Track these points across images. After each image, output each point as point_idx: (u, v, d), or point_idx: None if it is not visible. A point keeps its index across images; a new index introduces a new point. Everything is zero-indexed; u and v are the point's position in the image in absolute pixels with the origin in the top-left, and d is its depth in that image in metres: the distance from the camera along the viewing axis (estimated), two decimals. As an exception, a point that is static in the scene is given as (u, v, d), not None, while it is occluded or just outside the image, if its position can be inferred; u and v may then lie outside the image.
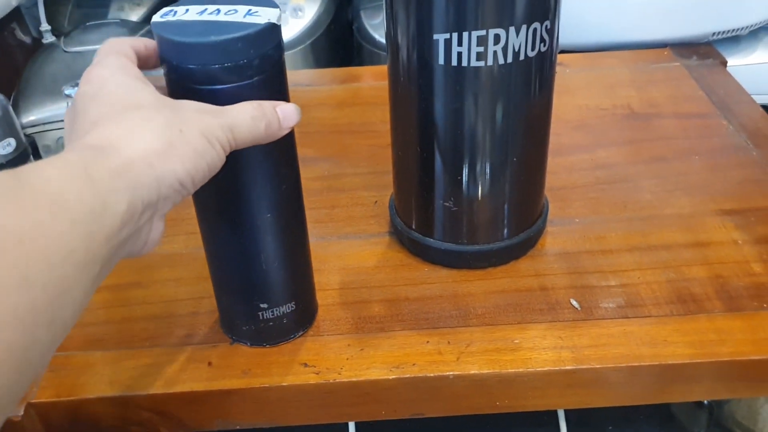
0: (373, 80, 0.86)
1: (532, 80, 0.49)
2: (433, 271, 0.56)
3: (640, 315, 0.51)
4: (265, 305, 0.49)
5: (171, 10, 0.42)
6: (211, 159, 0.36)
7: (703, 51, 0.85)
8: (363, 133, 0.76)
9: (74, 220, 0.29)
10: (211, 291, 0.55)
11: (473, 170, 0.52)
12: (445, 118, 0.50)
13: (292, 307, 0.50)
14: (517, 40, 0.46)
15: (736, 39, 0.90)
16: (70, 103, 0.41)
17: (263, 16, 0.41)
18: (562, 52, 0.90)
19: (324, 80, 0.86)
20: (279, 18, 0.41)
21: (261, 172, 0.44)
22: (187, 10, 0.42)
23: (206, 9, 0.41)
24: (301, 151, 0.72)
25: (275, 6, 0.42)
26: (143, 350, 0.51)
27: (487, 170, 0.52)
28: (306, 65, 1.19)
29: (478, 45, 0.46)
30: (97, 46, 1.18)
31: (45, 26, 1.30)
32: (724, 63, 0.83)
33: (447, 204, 0.53)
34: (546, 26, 0.46)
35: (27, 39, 1.30)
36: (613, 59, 0.84)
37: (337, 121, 0.78)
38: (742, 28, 0.87)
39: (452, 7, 0.45)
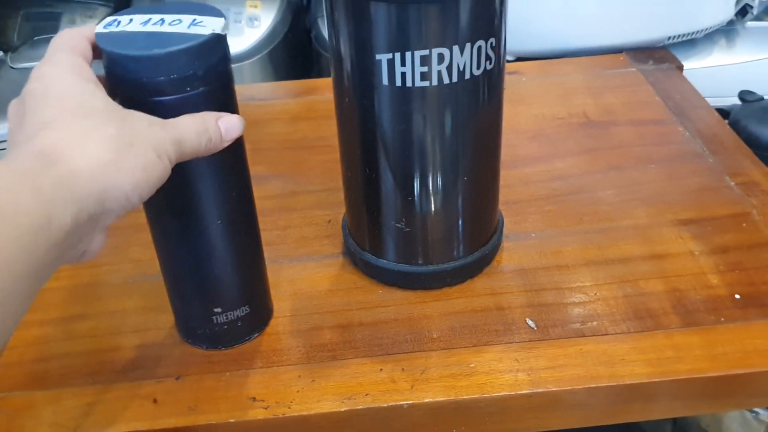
0: (329, 93, 0.84)
1: (480, 98, 0.48)
2: (387, 294, 0.55)
3: (596, 333, 0.50)
4: (219, 309, 0.49)
5: (114, 20, 0.41)
6: (159, 173, 0.36)
7: (659, 55, 0.85)
8: (318, 148, 0.74)
9: (17, 233, 0.29)
10: (157, 322, 0.53)
11: (424, 190, 0.50)
12: (391, 138, 0.48)
13: (246, 310, 0.50)
14: (462, 59, 0.44)
15: (692, 42, 0.90)
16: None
17: (208, 26, 0.40)
18: (518, 59, 0.89)
19: (278, 94, 0.84)
20: (224, 28, 0.41)
21: (211, 180, 0.44)
22: (131, 20, 0.41)
23: (150, 19, 0.41)
24: (254, 169, 0.70)
25: (221, 15, 0.41)
26: (85, 387, 0.49)
27: (438, 190, 0.50)
28: (264, 75, 1.17)
29: (421, 65, 0.44)
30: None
31: (-8, 41, 1.26)
32: (681, 67, 0.83)
33: (398, 225, 0.52)
34: (491, 43, 0.45)
35: (-27, 54, 1.26)
36: (569, 66, 0.84)
37: (291, 137, 0.76)
38: (698, 32, 0.87)
39: (393, 27, 0.43)
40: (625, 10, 0.84)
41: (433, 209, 0.51)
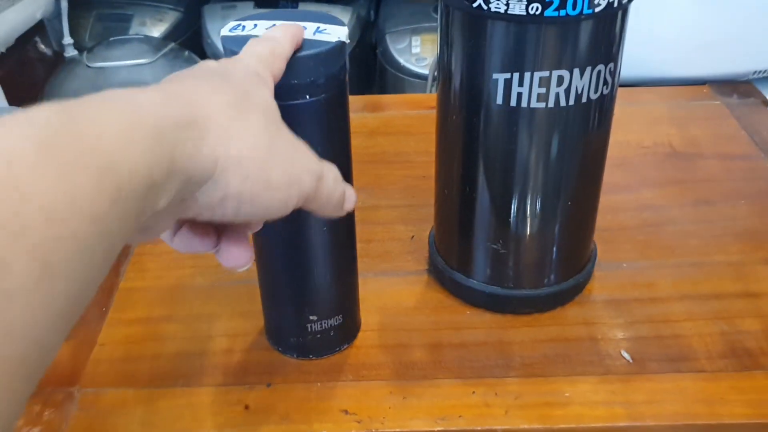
0: (406, 109, 0.84)
1: (592, 123, 0.47)
2: (475, 315, 0.54)
3: (693, 369, 0.49)
4: (314, 317, 0.49)
5: (239, 25, 0.41)
6: (278, 200, 0.32)
7: (744, 89, 0.83)
8: (397, 164, 0.74)
9: (119, 196, 0.23)
10: (245, 328, 0.53)
11: (524, 212, 0.50)
12: (497, 158, 0.48)
13: (339, 320, 0.50)
14: (581, 82, 0.44)
15: (775, 77, 0.88)
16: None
17: (333, 34, 0.40)
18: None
19: (355, 107, 0.84)
20: (347, 36, 0.41)
21: None
22: (255, 26, 0.41)
23: (274, 25, 0.40)
24: (335, 181, 0.70)
25: (342, 24, 0.41)
26: (176, 389, 0.49)
27: (539, 213, 0.50)
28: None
29: (540, 86, 0.44)
30: (120, 62, 1.17)
31: (68, 39, 1.29)
32: (766, 102, 0.82)
33: (494, 246, 0.51)
34: (610, 68, 0.45)
35: (49, 52, 1.29)
36: (651, 94, 0.83)
37: (370, 151, 0.76)
38: (782, 67, 0.86)
39: (513, 46, 0.43)
40: (710, 40, 0.83)
41: (530, 233, 0.51)
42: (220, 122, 0.29)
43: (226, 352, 0.51)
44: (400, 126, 0.80)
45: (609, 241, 0.60)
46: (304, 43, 0.39)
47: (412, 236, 0.62)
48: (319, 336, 0.49)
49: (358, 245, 0.62)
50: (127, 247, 0.62)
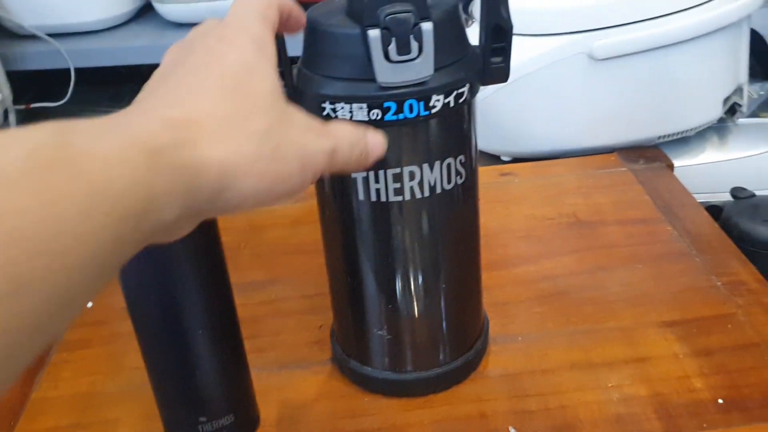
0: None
1: (453, 210, 0.50)
2: (373, 401, 0.55)
3: (579, 440, 0.50)
4: (203, 418, 0.49)
5: None
6: (294, 186, 0.31)
7: (650, 154, 0.87)
8: (315, 252, 0.75)
9: (109, 216, 0.23)
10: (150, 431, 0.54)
11: (403, 299, 0.52)
12: (369, 248, 0.51)
13: (231, 419, 0.50)
14: (432, 176, 0.47)
15: (684, 140, 0.92)
16: None
17: None
18: (514, 161, 0.92)
19: (279, 199, 0.87)
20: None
21: (192, 289, 0.46)
22: None
23: None
24: (252, 275, 0.72)
25: None
26: (74, 500, 0.50)
27: (417, 298, 0.52)
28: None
29: (394, 182, 0.47)
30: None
31: None
32: (671, 166, 0.85)
33: (380, 332, 0.53)
34: (461, 160, 0.48)
35: None
36: (561, 167, 0.86)
37: (290, 241, 0.78)
38: (689, 130, 0.90)
39: None
40: (616, 111, 0.87)
41: (412, 317, 0.53)
42: (216, 129, 0.28)
43: (126, 457, 0.53)
44: (320, 215, 0.83)
45: (506, 315, 0.62)
46: None
47: (321, 326, 0.64)
48: (211, 437, 0.50)
49: (267, 339, 0.64)
50: (44, 356, 0.64)
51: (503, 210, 0.79)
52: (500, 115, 0.88)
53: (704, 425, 0.50)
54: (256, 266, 0.74)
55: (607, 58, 0.82)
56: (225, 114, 0.29)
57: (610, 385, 0.54)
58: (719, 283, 0.64)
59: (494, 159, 0.95)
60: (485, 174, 0.86)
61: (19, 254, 0.20)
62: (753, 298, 0.62)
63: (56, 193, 0.22)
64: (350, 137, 0.35)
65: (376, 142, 0.38)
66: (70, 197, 0.22)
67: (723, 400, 0.52)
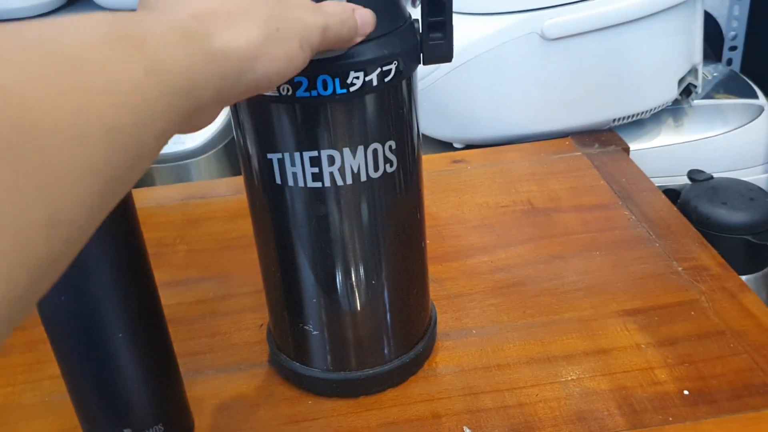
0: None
1: (382, 200, 0.45)
2: (316, 405, 0.51)
3: (538, 440, 0.47)
4: (128, 430, 0.45)
5: None
6: (298, 64, 0.34)
7: (605, 138, 0.84)
8: (254, 247, 0.71)
9: (165, 89, 0.26)
10: (71, 445, 0.49)
11: (335, 292, 0.48)
12: (295, 239, 0.46)
13: (160, 429, 0.46)
14: (355, 162, 0.42)
15: (640, 123, 0.90)
16: None
17: None
18: (466, 147, 0.88)
19: (218, 191, 0.82)
20: None
21: (109, 288, 0.42)
22: None
23: None
24: (186, 272, 0.67)
25: None
26: None
27: (350, 292, 0.48)
28: (220, 170, 1.16)
29: (312, 166, 0.42)
30: None
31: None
32: (627, 149, 0.82)
33: (306, 327, 0.49)
34: (390, 147, 0.43)
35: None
36: (514, 153, 0.83)
37: (228, 236, 0.73)
38: (644, 113, 0.87)
39: (281, 127, 0.42)
40: (570, 94, 0.84)
41: (346, 312, 0.49)
42: (226, 21, 0.31)
43: (42, 476, 0.47)
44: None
45: (460, 309, 0.59)
46: None
47: (261, 325, 0.60)
48: (138, 451, 0.46)
49: (203, 340, 0.59)
50: (-44, 368, 0.58)
51: (456, 199, 0.75)
52: (449, 100, 0.85)
53: (670, 419, 0.47)
54: (191, 263, 0.69)
55: (558, 38, 0.78)
56: (230, 7, 0.31)
57: (570, 379, 0.51)
58: (680, 269, 0.61)
59: (446, 146, 0.91)
60: (436, 161, 0.82)
61: (111, 103, 0.23)
62: (716, 284, 0.59)
63: (125, 60, 0.24)
64: (340, 13, 0.37)
65: (364, 18, 0.38)
66: (135, 66, 0.24)
67: (689, 391, 0.49)
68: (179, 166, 1.14)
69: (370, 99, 0.41)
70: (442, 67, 0.82)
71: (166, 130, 0.26)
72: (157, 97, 0.25)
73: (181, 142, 1.14)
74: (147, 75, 0.25)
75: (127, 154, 0.24)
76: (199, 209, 0.78)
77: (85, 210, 0.22)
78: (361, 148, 0.42)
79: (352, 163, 0.42)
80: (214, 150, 1.16)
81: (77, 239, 0.23)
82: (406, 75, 0.42)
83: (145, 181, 1.04)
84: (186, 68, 0.27)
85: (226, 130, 1.16)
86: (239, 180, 0.86)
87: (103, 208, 0.24)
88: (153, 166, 1.13)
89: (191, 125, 0.32)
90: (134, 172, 0.25)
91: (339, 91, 0.39)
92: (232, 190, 0.82)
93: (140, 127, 0.24)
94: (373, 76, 0.40)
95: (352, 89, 0.39)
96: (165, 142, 0.27)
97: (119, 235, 0.41)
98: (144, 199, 0.81)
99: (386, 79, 0.40)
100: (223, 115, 1.16)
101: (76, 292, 0.41)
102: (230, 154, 1.18)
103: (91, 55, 0.23)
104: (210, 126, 1.29)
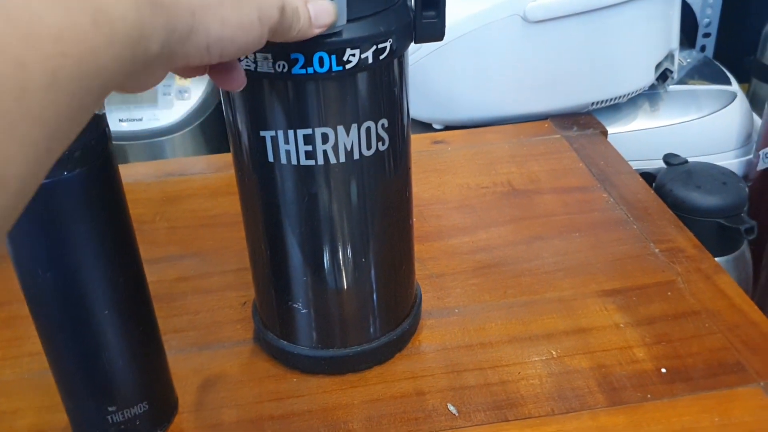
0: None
1: (374, 178, 0.45)
2: (301, 382, 0.51)
3: (520, 416, 0.48)
4: (113, 408, 0.45)
5: None
6: (253, 39, 0.33)
7: (584, 121, 0.85)
8: (236, 225, 0.70)
9: (113, 38, 0.25)
10: (53, 423, 0.49)
11: (324, 270, 0.48)
12: (286, 217, 0.46)
13: (144, 407, 0.46)
14: (349, 140, 0.42)
15: (616, 107, 0.91)
16: None
17: None
18: (446, 128, 0.89)
19: (198, 168, 0.82)
20: (101, 108, 0.38)
21: (94, 264, 0.41)
22: None
23: None
24: (168, 249, 0.67)
25: None
26: (-36, 503, 0.44)
27: (338, 270, 0.48)
28: (195, 148, 1.15)
29: (305, 144, 0.42)
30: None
31: None
32: (605, 132, 0.83)
33: (296, 305, 0.49)
34: (382, 125, 0.43)
35: None
36: (494, 134, 0.83)
37: (209, 213, 0.73)
38: (621, 97, 0.88)
39: (271, 104, 0.42)
40: (549, 77, 0.84)
41: (334, 289, 0.49)
42: None
43: (26, 453, 0.47)
44: (243, 185, 0.78)
45: (441, 288, 0.59)
46: None
47: (244, 302, 0.60)
48: (123, 428, 0.46)
49: (186, 318, 0.59)
50: (-67, 344, 0.57)
51: (436, 179, 0.75)
52: (430, 80, 0.85)
53: (648, 396, 0.48)
54: (173, 240, 0.68)
55: (541, 21, 0.79)
56: None
57: (550, 357, 0.52)
58: (657, 251, 0.62)
59: (426, 127, 0.91)
60: (417, 142, 0.82)
61: (55, 52, 0.23)
62: (691, 265, 0.60)
63: (73, 8, 0.24)
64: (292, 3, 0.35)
65: (320, 9, 0.37)
66: (83, 12, 0.24)
67: (666, 369, 0.50)
68: (153, 144, 1.13)
69: (364, 76, 0.41)
70: (423, 48, 0.82)
71: (110, 81, 0.26)
72: (103, 47, 0.25)
73: (156, 119, 1.13)
74: (94, 25, 0.24)
75: (71, 104, 0.24)
76: (179, 186, 0.78)
77: (30, 161, 0.22)
78: (354, 126, 0.42)
79: (345, 141, 0.42)
80: (190, 128, 1.15)
81: (24, 191, 0.23)
82: (399, 53, 0.42)
83: (119, 158, 1.03)
84: (134, 19, 0.27)
85: (201, 108, 1.15)
86: (219, 158, 0.87)
87: (49, 157, 0.24)
88: (126, 142, 1.12)
89: (137, 82, 0.31)
90: (78, 123, 0.25)
91: (335, 68, 0.39)
92: (212, 168, 0.82)
93: (85, 77, 0.24)
94: (369, 54, 0.40)
95: (347, 66, 0.39)
96: (108, 93, 0.27)
97: (104, 210, 0.41)
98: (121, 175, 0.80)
99: (381, 57, 0.40)
100: (199, 92, 1.15)
101: (61, 268, 0.40)
102: (206, 131, 1.17)
103: (34, 6, 0.23)
104: (185, 103, 1.28)
